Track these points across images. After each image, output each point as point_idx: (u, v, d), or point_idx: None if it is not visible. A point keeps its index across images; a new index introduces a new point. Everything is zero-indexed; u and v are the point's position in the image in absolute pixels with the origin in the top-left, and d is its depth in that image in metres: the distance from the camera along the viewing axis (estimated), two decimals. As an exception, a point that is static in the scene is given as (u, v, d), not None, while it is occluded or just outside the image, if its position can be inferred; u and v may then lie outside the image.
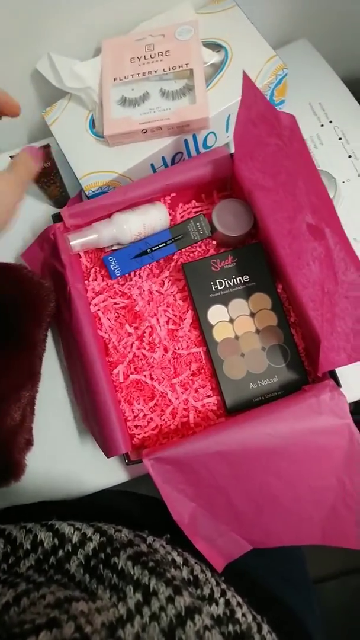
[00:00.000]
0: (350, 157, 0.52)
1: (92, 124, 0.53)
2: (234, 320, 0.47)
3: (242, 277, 0.48)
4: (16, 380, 0.47)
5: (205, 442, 0.40)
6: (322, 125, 0.54)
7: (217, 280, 0.48)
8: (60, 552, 0.36)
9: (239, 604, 0.37)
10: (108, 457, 0.43)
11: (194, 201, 0.53)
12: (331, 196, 0.49)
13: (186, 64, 0.49)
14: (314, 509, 0.42)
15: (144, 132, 0.48)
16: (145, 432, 0.47)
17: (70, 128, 0.54)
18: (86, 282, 0.51)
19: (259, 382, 0.46)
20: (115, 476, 0.49)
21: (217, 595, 0.36)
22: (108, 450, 0.42)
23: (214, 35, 0.52)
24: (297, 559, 0.54)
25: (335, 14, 0.61)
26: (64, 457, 0.51)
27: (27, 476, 0.48)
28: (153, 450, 0.41)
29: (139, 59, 0.51)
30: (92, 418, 0.45)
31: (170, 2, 0.53)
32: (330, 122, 0.54)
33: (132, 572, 0.33)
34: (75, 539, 0.37)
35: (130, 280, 0.51)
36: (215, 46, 0.52)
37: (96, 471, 0.49)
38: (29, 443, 0.49)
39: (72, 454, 0.50)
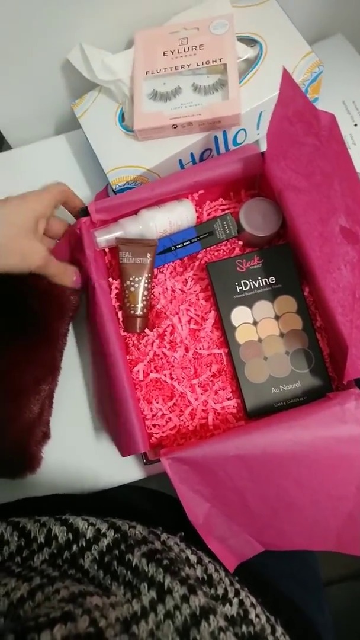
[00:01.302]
0: (384, 158, 0.51)
1: (122, 118, 0.52)
2: (258, 323, 0.46)
3: (268, 278, 0.47)
4: (36, 373, 0.47)
5: (225, 445, 0.40)
6: (355, 125, 0.53)
7: (242, 281, 0.47)
8: (74, 547, 0.36)
9: (252, 605, 0.36)
10: (123, 456, 0.43)
11: (221, 199, 0.53)
12: (364, 199, 0.48)
13: (220, 59, 0.48)
14: (331, 515, 0.42)
15: (174, 127, 0.47)
16: (163, 432, 0.46)
17: (99, 121, 0.53)
18: (110, 278, 0.50)
19: (281, 386, 0.45)
20: (130, 474, 0.49)
21: (231, 595, 0.36)
22: (124, 449, 0.42)
23: (249, 29, 0.51)
24: (309, 562, 0.54)
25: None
26: (79, 452, 0.51)
27: (42, 469, 0.48)
28: (171, 450, 0.41)
29: (172, 52, 0.50)
30: (111, 415, 0.45)
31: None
32: (365, 121, 0.52)
33: (146, 570, 0.33)
34: (89, 534, 0.37)
35: (155, 277, 0.51)
36: (250, 41, 0.51)
37: (111, 467, 0.49)
38: (46, 436, 0.50)
39: (88, 449, 0.50)
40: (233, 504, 0.42)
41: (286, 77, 0.36)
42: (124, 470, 0.49)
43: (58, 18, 0.50)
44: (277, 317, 0.46)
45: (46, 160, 0.61)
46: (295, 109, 0.37)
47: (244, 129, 0.51)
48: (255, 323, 0.47)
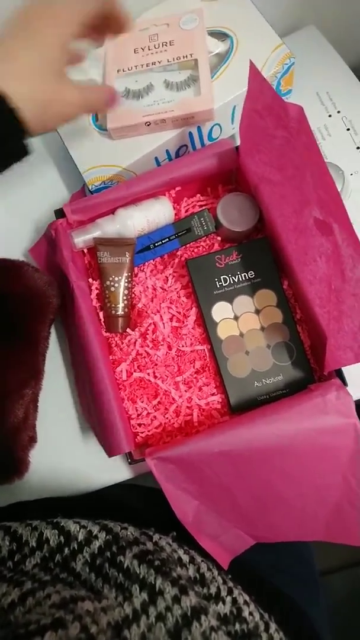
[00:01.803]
0: (358, 148, 0.51)
1: (96, 117, 0.52)
2: (239, 318, 0.46)
3: (247, 273, 0.47)
4: (19, 378, 0.47)
5: (209, 442, 0.40)
6: (330, 116, 0.53)
7: (221, 277, 0.47)
8: (66, 550, 0.36)
9: (246, 602, 0.37)
10: (109, 457, 0.42)
11: (198, 195, 0.52)
12: (339, 189, 0.48)
13: (190, 54, 0.48)
14: (318, 506, 0.42)
15: (148, 125, 0.47)
16: (148, 431, 0.46)
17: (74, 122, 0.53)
18: (90, 279, 0.50)
19: (263, 380, 0.45)
20: (119, 473, 0.49)
21: (223, 593, 0.36)
22: (110, 449, 0.42)
23: (220, 23, 0.51)
24: (304, 555, 0.54)
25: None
26: (68, 454, 0.50)
27: (31, 473, 0.48)
28: (156, 449, 0.41)
29: (143, 49, 0.50)
30: (95, 417, 0.45)
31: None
32: (339, 112, 0.52)
33: (137, 571, 0.33)
34: (80, 536, 0.37)
35: (135, 276, 0.51)
36: (220, 35, 0.51)
37: (100, 468, 0.49)
38: (33, 440, 0.49)
39: (76, 451, 0.50)
40: (221, 500, 0.42)
41: (253, 71, 0.36)
42: (114, 470, 0.49)
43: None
44: (257, 311, 0.47)
45: (24, 164, 0.60)
46: (264, 102, 0.37)
47: (218, 124, 0.51)
48: (236, 318, 0.47)
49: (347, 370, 0.43)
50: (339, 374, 0.42)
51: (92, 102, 0.41)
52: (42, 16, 0.36)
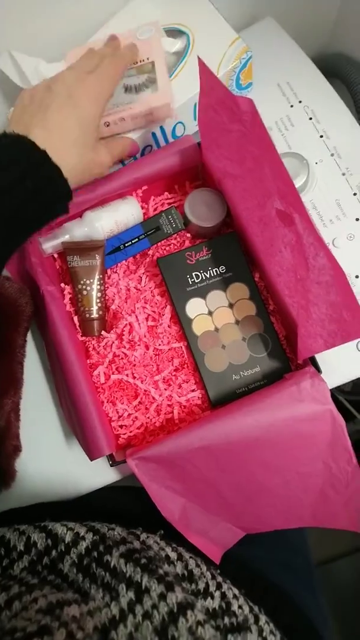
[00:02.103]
0: (322, 137, 0.51)
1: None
2: (213, 313, 0.47)
3: (218, 268, 0.47)
4: (-2, 388, 0.46)
5: (188, 438, 0.40)
6: (291, 106, 0.53)
7: (193, 273, 0.47)
8: (54, 553, 0.36)
9: (235, 596, 0.37)
10: (91, 460, 0.42)
11: (166, 193, 0.52)
12: (304, 179, 0.48)
13: (147, 58, 0.48)
14: (302, 493, 0.42)
15: (107, 126, 0.47)
16: (130, 432, 0.46)
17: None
18: (62, 284, 0.50)
19: (241, 372, 0.45)
20: (106, 476, 0.49)
21: (212, 588, 0.36)
22: (91, 453, 0.42)
23: (176, 20, 0.51)
24: (298, 545, 0.54)
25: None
26: (53, 461, 0.50)
27: (17, 481, 0.48)
28: (136, 449, 0.41)
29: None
30: (76, 422, 0.45)
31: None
32: (300, 102, 0.53)
33: (124, 570, 0.33)
34: (68, 538, 0.37)
35: (108, 278, 0.51)
36: (177, 32, 0.51)
37: (87, 472, 0.49)
38: (17, 449, 0.49)
39: (62, 457, 0.50)
40: (207, 496, 0.42)
41: (202, 67, 0.36)
42: (100, 474, 0.49)
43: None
44: (231, 305, 0.47)
45: None
46: (217, 97, 0.37)
47: (181, 122, 0.51)
48: (210, 313, 0.47)
49: (324, 359, 0.43)
50: (313, 362, 0.42)
51: (119, 156, 0.46)
52: (86, 88, 0.40)
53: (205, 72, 0.36)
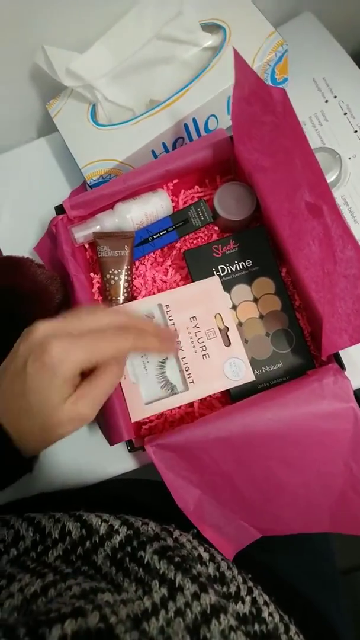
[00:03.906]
0: (356, 132, 0.50)
1: (94, 114, 0.53)
2: (237, 307, 0.47)
3: (244, 262, 0.47)
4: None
5: (206, 429, 0.40)
6: (326, 101, 0.52)
7: (219, 267, 0.47)
8: (88, 544, 0.37)
9: (265, 603, 0.36)
10: (111, 445, 0.43)
11: (196, 187, 0.53)
12: (336, 174, 0.47)
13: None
14: (322, 495, 0.41)
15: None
16: (151, 422, 0.47)
17: (73, 118, 0.54)
18: (91, 273, 0.51)
19: (263, 368, 0.45)
20: (126, 463, 0.49)
21: (243, 593, 0.36)
22: (111, 438, 0.43)
23: (213, 16, 0.51)
24: (324, 553, 0.52)
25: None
26: (76, 446, 0.51)
27: (40, 465, 0.49)
28: (155, 437, 0.41)
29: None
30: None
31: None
32: (335, 97, 0.52)
33: (158, 567, 0.33)
34: (102, 530, 0.37)
35: (136, 269, 0.51)
36: (213, 27, 0.51)
37: (108, 458, 0.49)
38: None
39: (83, 442, 0.51)
40: (222, 489, 0.42)
41: (237, 57, 0.36)
42: (121, 460, 0.49)
43: (23, 17, 0.50)
44: (255, 300, 0.46)
45: (28, 165, 0.62)
46: (250, 89, 0.37)
47: (214, 115, 0.51)
48: (234, 307, 0.47)
49: (351, 357, 0.42)
50: (337, 359, 0.41)
51: (103, 396, 0.33)
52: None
53: (240, 63, 0.36)
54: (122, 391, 0.44)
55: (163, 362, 0.45)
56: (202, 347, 0.44)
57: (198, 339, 0.45)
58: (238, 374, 0.44)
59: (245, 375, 0.44)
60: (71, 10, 0.51)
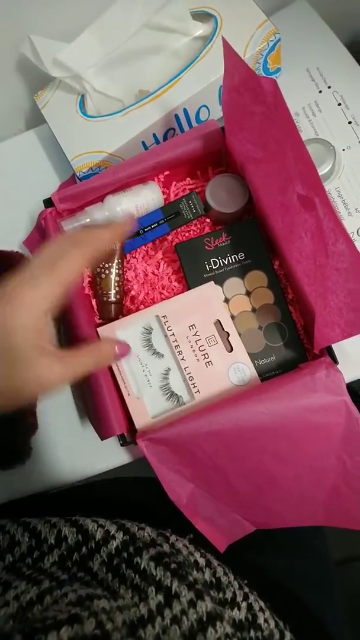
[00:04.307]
0: (350, 123, 0.49)
1: (82, 105, 0.52)
2: (229, 300, 0.46)
3: (237, 255, 0.47)
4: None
5: (198, 422, 0.40)
6: (320, 92, 0.51)
7: (211, 260, 0.47)
8: (84, 549, 0.37)
9: (261, 609, 0.36)
10: (102, 440, 0.43)
11: (188, 179, 0.52)
12: (329, 166, 0.47)
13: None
14: (315, 489, 0.41)
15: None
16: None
17: (61, 110, 0.53)
18: (82, 266, 0.50)
19: (256, 361, 0.45)
20: (119, 457, 0.49)
21: (239, 599, 0.36)
22: (102, 432, 0.43)
23: (203, 4, 0.50)
24: (319, 554, 0.52)
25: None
26: (68, 441, 0.51)
27: (34, 459, 0.49)
28: (147, 431, 0.41)
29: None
30: (89, 402, 0.45)
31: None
32: (329, 87, 0.51)
33: (154, 573, 0.33)
34: (98, 536, 0.37)
35: (127, 262, 0.51)
36: (204, 15, 0.50)
37: (101, 453, 0.49)
38: (34, 427, 0.50)
39: (77, 437, 0.51)
40: (216, 483, 0.42)
41: (226, 47, 0.35)
42: (113, 455, 0.49)
43: (8, 7, 0.49)
44: (248, 293, 0.46)
45: (16, 158, 0.61)
46: (240, 78, 0.36)
47: (205, 106, 0.51)
48: (226, 300, 0.46)
49: (343, 350, 0.42)
50: (330, 352, 0.41)
51: (83, 369, 0.33)
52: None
53: (229, 52, 0.35)
54: (128, 406, 0.44)
55: (166, 374, 0.45)
56: (204, 354, 0.44)
57: (199, 347, 0.44)
58: (243, 379, 0.44)
59: (250, 379, 0.44)
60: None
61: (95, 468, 0.50)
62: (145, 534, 0.38)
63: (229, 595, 0.36)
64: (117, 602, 0.30)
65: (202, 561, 0.38)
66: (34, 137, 0.62)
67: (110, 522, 0.39)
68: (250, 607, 0.35)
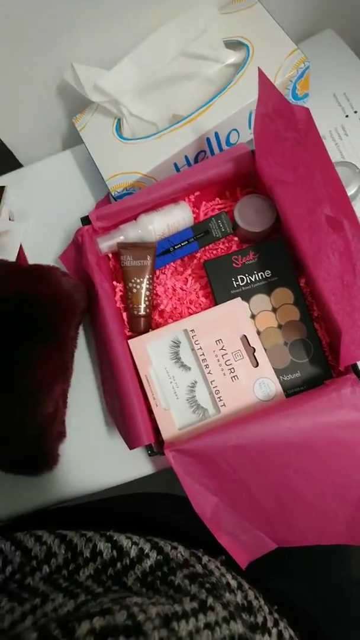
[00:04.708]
0: (376, 147, 0.51)
1: (118, 127, 0.55)
2: (256, 316, 0.47)
3: (264, 272, 0.48)
4: (49, 375, 0.49)
5: (225, 435, 0.41)
6: (347, 116, 0.53)
7: (238, 277, 0.48)
8: (119, 565, 0.37)
9: (291, 638, 0.36)
10: (130, 449, 0.44)
11: (217, 199, 0.54)
12: (356, 187, 0.48)
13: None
14: (338, 506, 0.42)
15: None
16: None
17: (98, 132, 0.56)
18: (114, 282, 0.53)
19: (281, 377, 0.46)
20: (144, 468, 0.50)
21: (270, 624, 0.36)
22: (131, 442, 0.44)
23: (236, 33, 0.53)
24: (343, 581, 0.50)
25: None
26: (95, 450, 0.53)
27: (61, 466, 0.50)
28: (174, 442, 0.42)
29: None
30: (118, 412, 0.47)
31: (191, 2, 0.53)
32: (355, 112, 0.53)
33: (189, 589, 0.34)
34: (133, 553, 0.38)
35: (157, 278, 0.53)
36: (237, 44, 0.53)
37: (126, 463, 0.51)
38: (62, 435, 0.52)
39: (103, 447, 0.52)
40: (239, 497, 0.42)
41: (261, 76, 0.37)
42: (138, 465, 0.50)
43: (52, 37, 0.53)
44: (274, 310, 0.47)
45: (54, 176, 0.65)
46: (274, 106, 0.38)
47: (236, 130, 0.53)
48: (253, 316, 0.48)
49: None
50: (355, 370, 0.42)
51: None
52: None
53: (263, 81, 0.37)
54: (156, 418, 0.45)
55: (193, 386, 0.46)
56: (230, 369, 0.45)
57: (225, 361, 0.45)
58: (269, 394, 0.45)
59: (276, 394, 0.45)
60: (99, 29, 0.54)
61: (119, 478, 0.51)
62: (179, 554, 0.39)
63: (260, 619, 0.36)
64: (151, 599, 0.31)
65: (234, 583, 0.38)
66: (70, 157, 0.65)
67: (144, 539, 0.39)
68: (280, 634, 0.35)
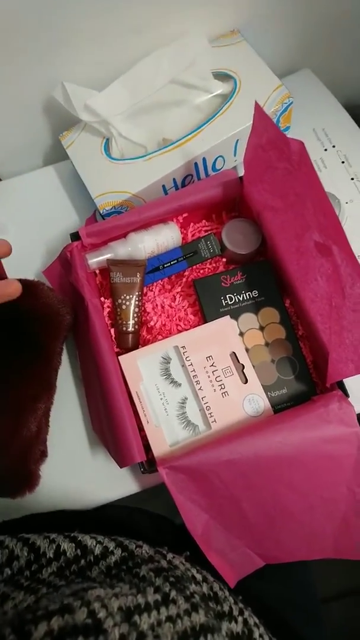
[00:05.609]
0: (352, 179, 0.55)
1: (107, 147, 0.56)
2: (244, 334, 0.49)
3: (251, 292, 0.50)
4: (33, 392, 0.48)
5: (218, 451, 0.41)
6: (325, 150, 0.57)
7: (227, 295, 0.50)
8: (82, 562, 0.37)
9: (256, 625, 0.37)
10: (121, 467, 0.44)
11: (204, 221, 0.56)
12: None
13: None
14: (326, 520, 0.43)
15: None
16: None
17: (86, 151, 0.57)
18: (101, 298, 0.53)
19: (268, 393, 0.47)
20: (127, 487, 0.50)
21: (235, 613, 0.37)
22: (122, 460, 0.43)
23: (224, 66, 0.56)
24: (307, 585, 0.53)
25: (335, 45, 0.64)
26: (77, 469, 0.51)
27: (41, 487, 0.49)
28: (167, 459, 0.42)
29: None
30: (107, 429, 0.46)
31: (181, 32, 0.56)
32: (334, 146, 0.57)
33: (153, 581, 0.34)
34: (97, 551, 0.38)
35: (145, 295, 0.53)
36: (225, 77, 0.55)
37: (109, 482, 0.50)
38: (44, 454, 0.51)
39: (85, 466, 0.51)
40: (230, 513, 0.43)
41: (258, 110, 0.40)
42: (120, 485, 0.50)
43: (42, 55, 0.53)
44: (261, 328, 0.49)
45: (35, 191, 0.64)
46: (268, 138, 0.40)
47: (222, 156, 0.55)
48: (241, 334, 0.49)
49: (351, 386, 0.45)
50: (341, 386, 0.44)
51: None
52: None
53: (260, 113, 0.40)
54: (147, 434, 0.45)
55: (183, 403, 0.47)
56: (220, 385, 0.46)
57: (216, 377, 0.47)
58: (257, 410, 0.46)
59: (264, 410, 0.46)
60: (92, 50, 0.55)
61: (104, 497, 0.50)
62: (143, 551, 0.39)
63: (226, 608, 0.36)
64: (114, 589, 0.30)
65: (199, 576, 0.39)
66: (52, 173, 0.65)
67: (108, 539, 0.39)
68: (245, 622, 0.36)
